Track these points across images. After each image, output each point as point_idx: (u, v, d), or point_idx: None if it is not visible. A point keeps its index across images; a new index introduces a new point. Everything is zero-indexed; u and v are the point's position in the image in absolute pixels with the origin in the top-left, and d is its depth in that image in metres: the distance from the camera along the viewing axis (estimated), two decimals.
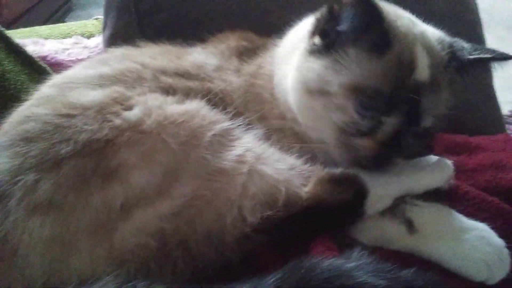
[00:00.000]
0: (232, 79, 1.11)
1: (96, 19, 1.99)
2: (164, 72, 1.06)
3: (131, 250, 0.78)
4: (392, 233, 0.89)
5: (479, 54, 0.99)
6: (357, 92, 0.92)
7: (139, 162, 0.82)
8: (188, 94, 1.00)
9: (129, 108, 0.90)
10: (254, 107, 1.08)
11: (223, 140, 0.89)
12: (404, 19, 1.01)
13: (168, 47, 1.20)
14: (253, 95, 1.10)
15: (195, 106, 0.93)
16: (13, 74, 1.36)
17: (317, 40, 1.00)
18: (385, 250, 0.87)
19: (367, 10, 0.91)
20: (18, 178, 0.80)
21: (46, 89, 1.03)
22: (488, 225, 0.88)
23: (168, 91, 1.00)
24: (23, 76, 1.39)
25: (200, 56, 1.15)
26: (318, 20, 1.03)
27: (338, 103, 0.95)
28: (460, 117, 1.32)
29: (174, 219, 0.80)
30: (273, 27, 1.23)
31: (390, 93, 0.91)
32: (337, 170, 0.92)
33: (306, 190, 0.88)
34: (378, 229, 0.90)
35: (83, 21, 2.00)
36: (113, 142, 0.83)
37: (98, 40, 1.68)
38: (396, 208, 0.91)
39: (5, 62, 1.37)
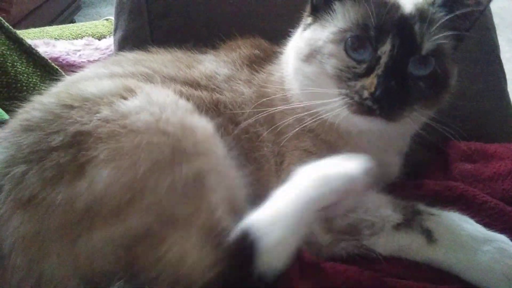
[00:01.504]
0: (243, 90, 1.09)
1: (107, 19, 1.99)
2: (174, 80, 1.04)
3: (96, 264, 0.75)
4: (410, 245, 0.87)
5: None
6: (344, 33, 0.93)
7: (108, 161, 0.78)
8: (197, 104, 0.98)
9: (130, 96, 0.87)
10: (265, 118, 1.06)
11: (197, 186, 0.83)
12: None
13: (179, 54, 1.18)
14: (263, 106, 1.07)
15: (200, 125, 0.90)
16: (25, 76, 1.36)
17: (309, 19, 1.03)
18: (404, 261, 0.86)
19: None
20: (8, 170, 0.79)
21: (57, 87, 1.03)
22: (507, 236, 0.86)
23: (180, 96, 0.98)
24: (35, 78, 1.39)
25: (211, 66, 1.13)
26: (310, 5, 1.05)
27: (328, 50, 0.94)
28: (476, 124, 1.33)
29: (124, 249, 0.76)
30: (283, 31, 1.22)
31: (378, 24, 0.90)
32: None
33: None
34: (395, 243, 0.88)
35: (94, 22, 2.00)
36: (93, 134, 0.80)
37: (109, 42, 1.67)
38: (412, 221, 0.89)
39: (17, 64, 1.37)
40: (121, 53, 1.21)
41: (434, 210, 0.91)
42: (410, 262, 0.87)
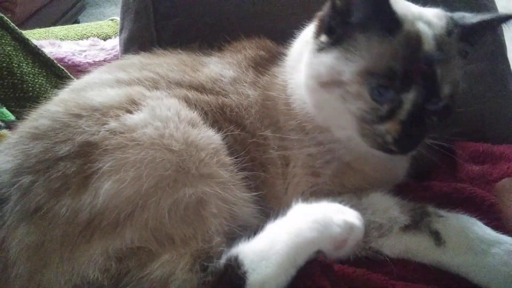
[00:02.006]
0: (248, 93, 1.08)
1: (112, 19, 2.00)
2: (179, 85, 1.04)
3: (87, 273, 0.76)
4: (418, 247, 0.87)
5: (482, 19, 0.97)
6: (370, 76, 0.90)
7: (112, 174, 0.79)
8: (202, 109, 0.99)
9: (136, 110, 0.88)
10: (270, 120, 1.06)
11: (198, 211, 0.83)
12: (401, 1, 1.01)
13: (184, 57, 1.17)
14: (268, 108, 1.07)
15: (205, 141, 0.90)
16: (31, 77, 1.37)
17: (323, 38, 0.98)
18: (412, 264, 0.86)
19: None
20: (16, 179, 0.80)
21: (65, 93, 1.03)
22: None
23: (186, 101, 0.99)
24: (41, 78, 1.39)
25: (216, 68, 1.13)
26: (321, 20, 1.01)
27: (353, 91, 0.92)
28: (483, 125, 1.32)
29: (116, 261, 0.77)
30: (288, 31, 1.21)
31: (404, 69, 0.88)
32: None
33: None
34: (402, 244, 0.88)
35: (99, 22, 2.00)
36: (100, 145, 0.81)
37: (114, 42, 1.68)
38: (420, 222, 0.89)
39: (23, 65, 1.37)
40: (127, 56, 1.21)
41: (442, 212, 0.91)
42: (418, 264, 0.86)
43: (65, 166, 0.79)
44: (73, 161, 0.80)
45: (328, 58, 0.94)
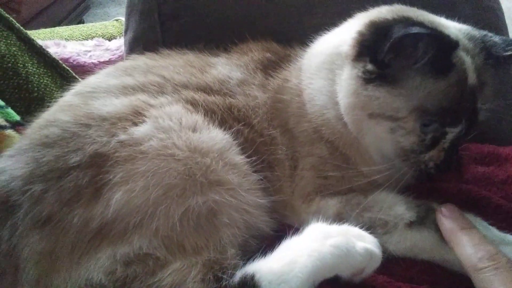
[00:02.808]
0: (256, 94, 1.08)
1: (117, 20, 2.00)
2: (186, 87, 1.04)
3: (93, 277, 0.76)
4: (424, 243, 0.87)
5: None
6: (424, 113, 0.92)
7: (122, 184, 0.80)
8: (211, 109, 0.99)
9: (141, 122, 0.89)
10: (279, 122, 1.06)
11: (210, 220, 0.83)
12: (450, 28, 1.01)
13: (191, 57, 1.17)
14: (278, 110, 1.07)
15: (210, 144, 0.90)
16: (36, 77, 1.37)
17: (370, 67, 0.95)
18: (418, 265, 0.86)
19: (439, 43, 0.90)
20: (27, 187, 0.80)
21: (71, 97, 1.03)
22: None
23: (192, 103, 0.99)
24: (46, 78, 1.39)
25: (224, 70, 1.12)
26: (362, 45, 0.98)
27: (408, 126, 0.93)
28: (489, 126, 1.31)
29: (122, 265, 0.77)
30: (293, 32, 1.21)
31: (454, 108, 0.92)
32: None
33: None
34: (407, 241, 0.88)
35: (104, 22, 2.00)
36: (112, 157, 0.83)
37: (119, 43, 1.68)
38: (425, 218, 0.89)
39: (28, 65, 1.37)
40: (132, 56, 1.20)
41: None
42: (424, 266, 0.86)
43: (77, 177, 0.80)
44: (85, 171, 0.81)
45: (381, 94, 0.94)
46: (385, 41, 0.88)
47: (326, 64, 1.06)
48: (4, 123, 1.18)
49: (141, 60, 1.15)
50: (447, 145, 0.94)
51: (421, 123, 0.92)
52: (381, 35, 0.92)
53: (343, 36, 1.05)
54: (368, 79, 0.95)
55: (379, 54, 0.92)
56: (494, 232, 0.87)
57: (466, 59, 0.94)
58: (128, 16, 1.47)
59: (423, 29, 0.88)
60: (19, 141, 0.95)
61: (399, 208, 0.92)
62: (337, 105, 1.02)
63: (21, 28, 1.42)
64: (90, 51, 1.63)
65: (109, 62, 1.59)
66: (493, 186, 1.02)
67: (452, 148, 0.95)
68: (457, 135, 0.94)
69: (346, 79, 1.00)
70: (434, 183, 1.06)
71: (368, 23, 0.98)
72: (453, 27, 1.03)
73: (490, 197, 0.96)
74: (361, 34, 0.99)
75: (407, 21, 0.96)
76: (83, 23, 4.74)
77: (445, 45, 0.91)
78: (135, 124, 0.88)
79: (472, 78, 0.94)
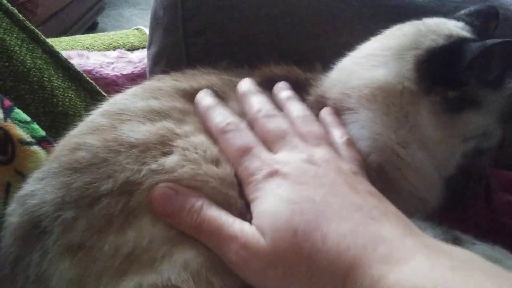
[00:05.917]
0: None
1: (137, 29, 2.00)
2: None
3: None
4: None
5: None
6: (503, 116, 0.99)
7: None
8: None
9: (170, 153, 0.88)
10: None
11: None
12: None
13: (214, 79, 1.13)
14: None
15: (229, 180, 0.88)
16: (61, 91, 1.36)
17: (451, 93, 0.95)
18: None
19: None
20: (58, 214, 0.80)
21: (99, 117, 1.01)
22: None
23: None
24: (71, 92, 1.39)
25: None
26: (433, 77, 0.97)
27: (498, 134, 1.01)
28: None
29: None
30: (319, 51, 1.20)
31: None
32: None
33: None
34: None
35: (124, 31, 2.01)
36: (143, 184, 0.82)
37: (141, 55, 1.68)
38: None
39: (53, 78, 1.37)
40: (159, 77, 1.17)
41: (475, 241, 0.90)
42: None
43: (109, 204, 0.80)
44: (117, 199, 0.80)
45: (473, 118, 0.97)
46: (460, 62, 0.91)
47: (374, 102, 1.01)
48: (30, 139, 1.18)
49: (169, 81, 1.13)
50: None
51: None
52: (447, 59, 0.94)
53: (386, 71, 1.01)
54: (452, 107, 0.96)
55: (456, 77, 0.94)
56: None
57: None
58: (152, 31, 1.47)
59: (496, 40, 0.89)
60: (48, 163, 0.94)
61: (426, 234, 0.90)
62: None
63: (46, 40, 1.42)
64: (113, 63, 1.63)
65: (131, 75, 1.59)
66: None
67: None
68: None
69: (426, 115, 0.97)
70: (462, 210, 1.06)
71: (424, 54, 0.97)
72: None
73: None
74: (422, 67, 0.98)
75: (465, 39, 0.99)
76: (97, 24, 4.76)
77: None
78: (165, 154, 0.87)
79: None
